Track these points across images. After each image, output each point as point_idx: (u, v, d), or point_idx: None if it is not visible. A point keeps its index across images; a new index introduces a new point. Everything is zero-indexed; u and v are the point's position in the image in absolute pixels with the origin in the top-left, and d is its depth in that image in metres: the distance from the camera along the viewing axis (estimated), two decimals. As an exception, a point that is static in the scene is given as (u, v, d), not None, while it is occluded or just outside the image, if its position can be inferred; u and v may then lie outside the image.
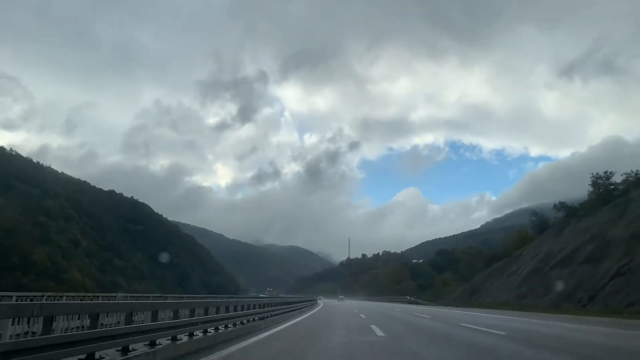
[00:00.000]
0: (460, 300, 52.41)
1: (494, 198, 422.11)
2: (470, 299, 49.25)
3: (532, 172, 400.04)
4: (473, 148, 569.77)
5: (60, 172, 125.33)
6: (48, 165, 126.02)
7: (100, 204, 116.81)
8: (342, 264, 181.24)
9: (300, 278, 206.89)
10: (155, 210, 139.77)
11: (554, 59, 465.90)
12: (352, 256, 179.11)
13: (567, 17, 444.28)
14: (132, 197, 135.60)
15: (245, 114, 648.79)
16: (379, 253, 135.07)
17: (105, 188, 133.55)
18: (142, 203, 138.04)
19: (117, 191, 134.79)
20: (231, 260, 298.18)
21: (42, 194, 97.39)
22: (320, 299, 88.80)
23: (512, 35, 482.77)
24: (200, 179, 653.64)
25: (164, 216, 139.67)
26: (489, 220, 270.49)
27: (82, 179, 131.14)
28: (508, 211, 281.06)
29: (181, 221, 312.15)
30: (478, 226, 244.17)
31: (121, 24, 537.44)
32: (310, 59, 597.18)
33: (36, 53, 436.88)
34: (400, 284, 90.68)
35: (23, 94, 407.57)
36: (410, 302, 59.54)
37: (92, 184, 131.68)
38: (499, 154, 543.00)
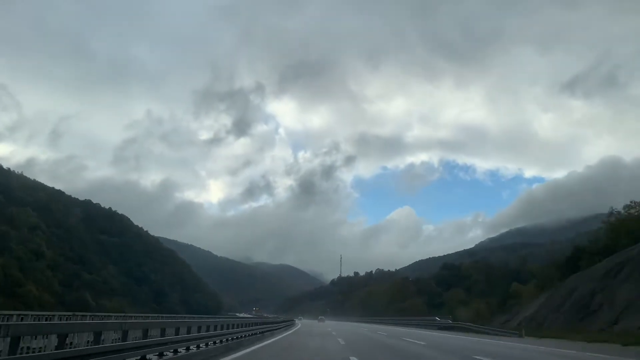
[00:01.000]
0: (559, 327, 30.75)
1: (488, 218, 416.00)
2: (581, 323, 28.91)
3: (529, 190, 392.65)
4: (467, 168, 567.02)
5: (32, 179, 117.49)
6: (20, 172, 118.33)
7: (72, 214, 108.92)
8: (333, 282, 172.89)
9: (289, 297, 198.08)
10: (135, 223, 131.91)
11: (549, 80, 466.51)
12: (344, 274, 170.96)
13: (563, 39, 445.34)
14: (109, 208, 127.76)
15: (239, 130, 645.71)
16: (372, 271, 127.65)
17: (94, 202, 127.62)
18: (121, 215, 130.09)
19: (102, 204, 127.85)
20: (219, 278, 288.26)
21: (6, 200, 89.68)
22: (300, 319, 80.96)
23: (509, 56, 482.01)
24: (191, 195, 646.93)
25: (144, 229, 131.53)
26: (483, 240, 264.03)
27: (70, 193, 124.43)
28: (504, 230, 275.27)
29: (169, 237, 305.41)
30: (472, 245, 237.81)
31: (116, 36, 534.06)
32: (306, 76, 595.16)
33: (29, 64, 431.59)
34: (405, 302, 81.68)
35: (12, 104, 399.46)
36: (444, 328, 42.03)
37: (81, 197, 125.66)
38: (494, 174, 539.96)
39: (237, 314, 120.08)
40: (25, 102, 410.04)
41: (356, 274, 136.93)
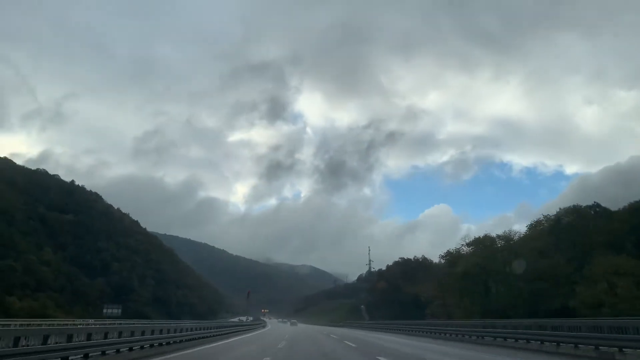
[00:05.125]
0: None
1: (533, 211, 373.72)
2: None
3: (581, 177, 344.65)
4: (504, 166, 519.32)
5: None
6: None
7: (11, 184, 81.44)
8: (360, 278, 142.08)
9: (306, 298, 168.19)
10: (107, 201, 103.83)
11: (594, 68, 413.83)
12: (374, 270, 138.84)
13: (610, 23, 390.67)
14: (72, 181, 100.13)
15: (266, 123, 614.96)
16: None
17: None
18: (90, 191, 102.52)
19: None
20: (232, 277, 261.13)
21: None
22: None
23: (550, 44, 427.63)
24: (214, 194, 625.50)
25: (116, 207, 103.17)
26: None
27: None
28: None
29: (180, 236, 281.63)
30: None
31: (138, 35, 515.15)
32: (335, 70, 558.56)
33: (51, 63, 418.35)
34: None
35: (32, 101, 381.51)
36: None
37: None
38: (531, 171, 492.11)
39: (232, 319, 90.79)
40: (47, 100, 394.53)
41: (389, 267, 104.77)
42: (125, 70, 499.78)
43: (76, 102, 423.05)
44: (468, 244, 53.03)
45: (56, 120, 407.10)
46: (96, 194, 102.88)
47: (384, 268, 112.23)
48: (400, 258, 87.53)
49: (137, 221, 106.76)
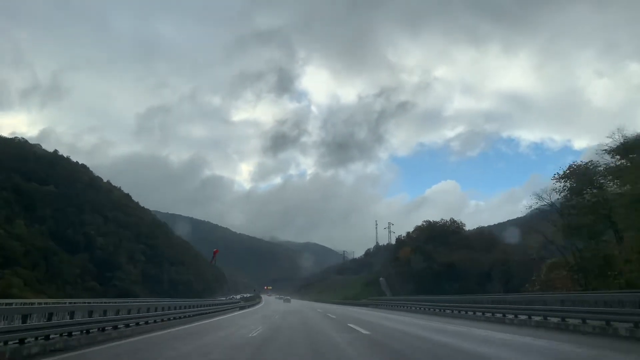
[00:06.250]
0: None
1: (542, 186, 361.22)
2: None
3: (596, 148, 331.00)
4: (511, 141, 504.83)
5: None
6: None
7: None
8: (368, 253, 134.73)
9: (312, 274, 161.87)
10: (95, 173, 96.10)
11: (605, 41, 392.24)
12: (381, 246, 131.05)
13: None
14: (55, 151, 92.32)
15: (273, 97, 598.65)
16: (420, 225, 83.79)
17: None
18: (76, 162, 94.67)
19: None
20: (236, 256, 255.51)
21: None
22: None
23: (561, 16, 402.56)
24: (219, 172, 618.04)
25: (106, 180, 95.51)
26: (536, 206, 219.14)
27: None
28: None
29: (183, 214, 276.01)
30: (524, 214, 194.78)
31: (139, 4, 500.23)
32: (342, 44, 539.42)
33: (51, 39, 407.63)
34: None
35: (32, 77, 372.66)
36: None
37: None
38: (544, 147, 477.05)
39: (228, 297, 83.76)
40: (46, 77, 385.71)
41: (408, 233, 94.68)
42: (125, 43, 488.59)
43: (77, 79, 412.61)
44: (621, 147, 27.55)
45: (56, 98, 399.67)
46: (83, 165, 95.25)
47: (391, 244, 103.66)
48: (424, 222, 78.09)
49: (128, 194, 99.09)
